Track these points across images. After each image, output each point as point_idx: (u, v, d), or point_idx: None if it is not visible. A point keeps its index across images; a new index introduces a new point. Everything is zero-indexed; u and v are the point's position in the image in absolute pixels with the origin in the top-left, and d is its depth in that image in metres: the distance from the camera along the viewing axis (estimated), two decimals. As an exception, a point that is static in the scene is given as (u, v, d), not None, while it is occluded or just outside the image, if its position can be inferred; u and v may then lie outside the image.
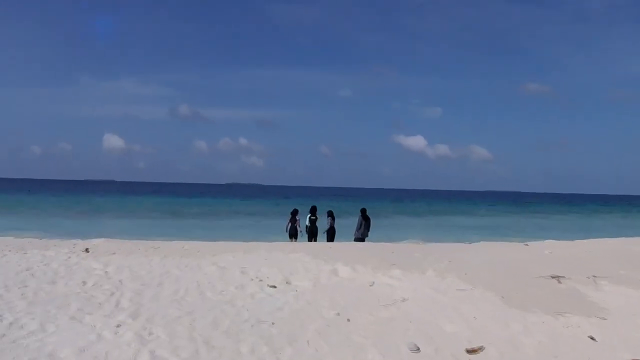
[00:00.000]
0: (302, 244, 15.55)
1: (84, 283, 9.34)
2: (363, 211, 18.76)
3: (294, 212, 19.06)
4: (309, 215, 18.83)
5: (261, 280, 9.50)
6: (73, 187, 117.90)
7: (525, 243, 17.57)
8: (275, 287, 9.07)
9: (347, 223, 24.20)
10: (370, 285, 9.47)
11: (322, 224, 19.47)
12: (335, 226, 18.72)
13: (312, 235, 18.64)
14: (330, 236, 18.51)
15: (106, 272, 10.31)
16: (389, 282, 9.82)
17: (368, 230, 18.61)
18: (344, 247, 14.60)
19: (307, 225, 18.60)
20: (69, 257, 11.98)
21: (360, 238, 18.44)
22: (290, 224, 18.64)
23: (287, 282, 9.35)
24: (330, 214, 18.91)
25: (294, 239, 18.30)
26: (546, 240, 19.49)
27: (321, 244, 15.84)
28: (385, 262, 11.69)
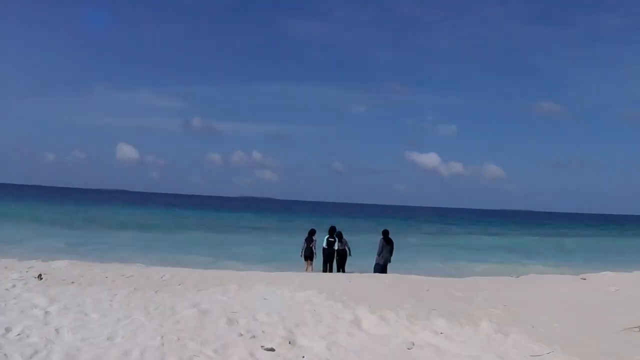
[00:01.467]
0: (314, 276, 12.68)
1: (7, 330, 6.63)
2: (385, 233, 15.99)
3: (312, 232, 16.94)
4: (326, 236, 16.47)
5: (254, 337, 6.66)
6: (84, 196, 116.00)
7: (582, 277, 14.60)
8: (273, 350, 6.25)
9: (360, 244, 21.76)
10: (408, 349, 6.62)
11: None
12: (347, 247, 16.36)
13: (328, 259, 16.24)
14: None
15: (47, 312, 7.61)
16: (433, 341, 6.98)
17: (391, 255, 15.85)
18: (365, 280, 11.78)
19: (324, 248, 16.30)
20: (14, 286, 9.34)
21: (382, 265, 15.65)
22: (305, 245, 16.60)
23: (290, 342, 6.49)
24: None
25: (309, 262, 16.42)
26: (602, 273, 16.53)
27: (337, 276, 12.93)
28: (423, 307, 8.86)
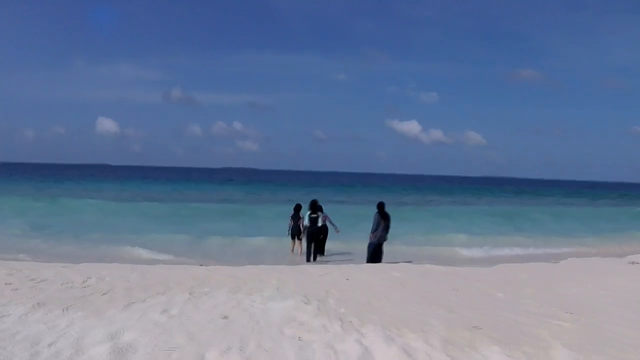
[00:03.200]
0: (297, 271, 9.65)
1: None
2: (380, 207, 13.43)
3: (297, 208, 15.36)
4: (308, 213, 14.43)
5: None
6: (62, 172, 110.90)
7: (633, 261, 11.93)
8: None
9: (342, 215, 19.85)
10: None
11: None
12: (331, 223, 14.66)
13: (312, 238, 14.14)
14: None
15: None
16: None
17: (387, 232, 13.33)
18: (367, 277, 8.91)
19: (305, 226, 14.48)
20: None
21: (378, 244, 13.05)
22: (292, 222, 15.25)
23: None
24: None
25: (297, 241, 15.17)
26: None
27: (328, 271, 9.97)
28: (459, 322, 6.04)
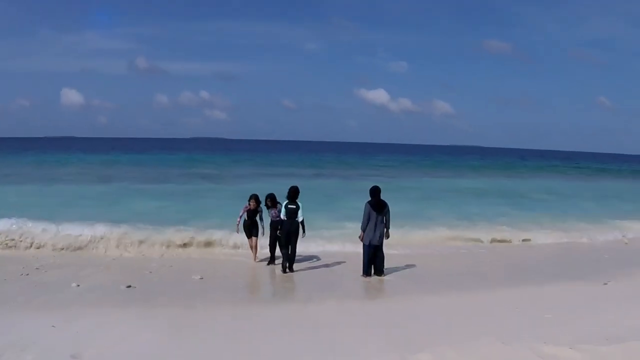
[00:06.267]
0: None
1: None
2: (374, 193, 10.43)
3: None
4: (285, 203, 11.12)
5: None
6: (24, 145, 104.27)
7: None
8: None
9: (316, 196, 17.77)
10: None
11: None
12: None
13: (289, 237, 10.96)
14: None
15: None
16: None
17: (385, 229, 10.42)
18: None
19: (282, 220, 11.05)
20: None
21: (376, 247, 10.29)
22: (244, 211, 11.80)
23: None
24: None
25: (253, 240, 11.93)
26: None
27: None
28: None
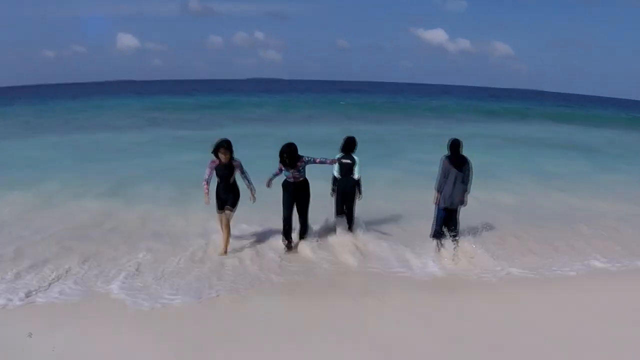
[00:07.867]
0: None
1: None
2: (454, 147, 8.36)
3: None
4: (338, 156, 8.87)
5: None
6: (84, 91, 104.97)
7: None
8: None
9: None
10: None
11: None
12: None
13: (345, 198, 8.96)
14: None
15: None
16: None
17: (464, 191, 8.40)
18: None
19: (335, 178, 8.97)
20: None
21: (448, 212, 8.37)
22: (212, 170, 8.03)
23: None
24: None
25: (225, 212, 8.18)
26: None
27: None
28: None
